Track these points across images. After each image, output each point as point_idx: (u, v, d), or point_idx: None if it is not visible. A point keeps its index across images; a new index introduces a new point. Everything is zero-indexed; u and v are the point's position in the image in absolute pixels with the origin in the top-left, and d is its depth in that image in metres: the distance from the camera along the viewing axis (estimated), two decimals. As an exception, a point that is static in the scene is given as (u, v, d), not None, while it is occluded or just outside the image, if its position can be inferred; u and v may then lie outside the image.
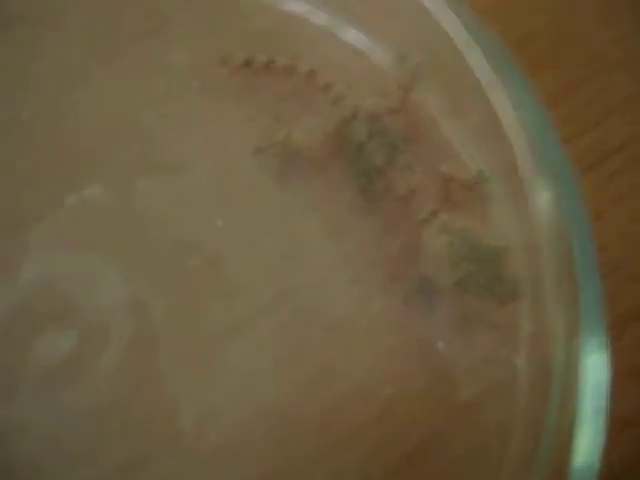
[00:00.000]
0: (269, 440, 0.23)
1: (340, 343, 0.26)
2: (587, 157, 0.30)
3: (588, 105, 0.30)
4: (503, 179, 0.27)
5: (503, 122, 0.26)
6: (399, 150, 0.27)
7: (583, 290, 0.23)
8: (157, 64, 0.29)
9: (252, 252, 0.27)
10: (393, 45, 0.29)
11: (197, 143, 0.28)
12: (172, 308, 0.24)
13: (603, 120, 0.30)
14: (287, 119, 0.28)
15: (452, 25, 0.26)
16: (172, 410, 0.23)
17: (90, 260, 0.25)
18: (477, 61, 0.26)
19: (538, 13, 0.32)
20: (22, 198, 0.26)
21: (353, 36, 0.29)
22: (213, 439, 0.23)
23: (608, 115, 0.31)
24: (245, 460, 0.23)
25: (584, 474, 0.21)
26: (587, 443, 0.21)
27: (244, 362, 0.24)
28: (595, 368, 0.22)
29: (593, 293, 0.23)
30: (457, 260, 0.25)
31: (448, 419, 0.24)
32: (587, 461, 0.21)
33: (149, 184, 0.26)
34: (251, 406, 0.24)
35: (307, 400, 0.24)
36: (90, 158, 0.26)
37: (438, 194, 0.27)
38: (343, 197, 0.27)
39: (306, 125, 0.28)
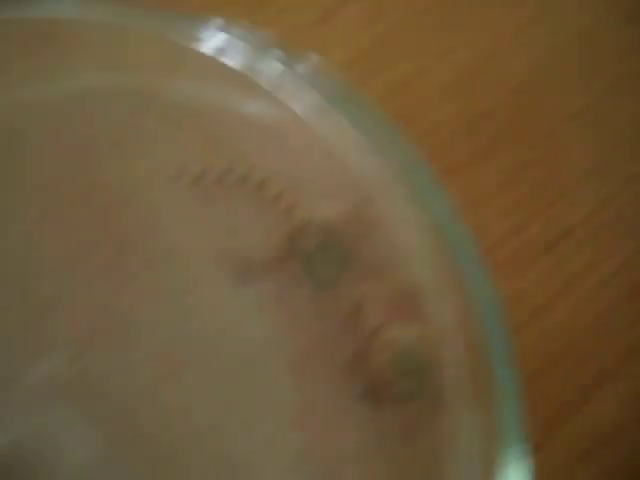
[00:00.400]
0: None
1: (287, 450, 0.27)
2: (535, 244, 0.31)
3: (536, 192, 0.31)
4: (448, 290, 0.28)
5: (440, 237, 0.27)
6: (351, 261, 0.28)
7: (503, 402, 0.24)
8: (115, 175, 0.30)
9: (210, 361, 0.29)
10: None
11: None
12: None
13: (553, 204, 0.31)
14: (240, 230, 0.30)
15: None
16: None
17: (51, 430, 0.26)
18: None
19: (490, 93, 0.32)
20: None
21: (305, 143, 0.30)
22: None
23: (561, 198, 0.31)
24: None
25: None
26: None
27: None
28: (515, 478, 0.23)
29: (512, 406, 0.24)
30: (399, 374, 0.26)
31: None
32: None
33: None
34: None
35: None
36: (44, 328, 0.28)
37: (387, 305, 0.28)
38: (293, 305, 0.28)
39: (258, 235, 0.30)
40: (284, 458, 0.27)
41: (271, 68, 0.29)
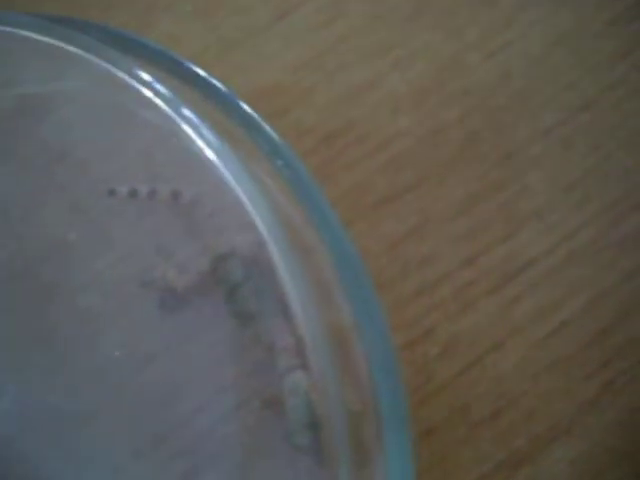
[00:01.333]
0: None
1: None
2: (489, 279, 0.28)
3: (494, 217, 0.28)
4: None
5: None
6: (263, 298, 0.26)
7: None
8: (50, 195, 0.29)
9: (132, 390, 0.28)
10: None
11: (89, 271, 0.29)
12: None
13: (512, 234, 0.28)
14: (167, 252, 0.28)
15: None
16: None
17: None
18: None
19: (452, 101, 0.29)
20: None
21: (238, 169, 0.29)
22: None
23: (519, 227, 0.28)
24: None
25: None
26: None
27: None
28: None
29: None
30: (300, 426, 0.25)
31: None
32: None
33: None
34: None
35: None
36: None
37: (294, 350, 0.26)
38: (217, 335, 0.27)
39: (185, 258, 0.28)
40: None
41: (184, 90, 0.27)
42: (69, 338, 0.28)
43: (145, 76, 0.27)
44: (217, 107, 0.28)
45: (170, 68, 0.29)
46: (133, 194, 0.29)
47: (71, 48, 0.28)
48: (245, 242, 0.27)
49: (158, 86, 0.28)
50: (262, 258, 0.27)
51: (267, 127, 0.25)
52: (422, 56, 0.29)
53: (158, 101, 0.29)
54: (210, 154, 0.28)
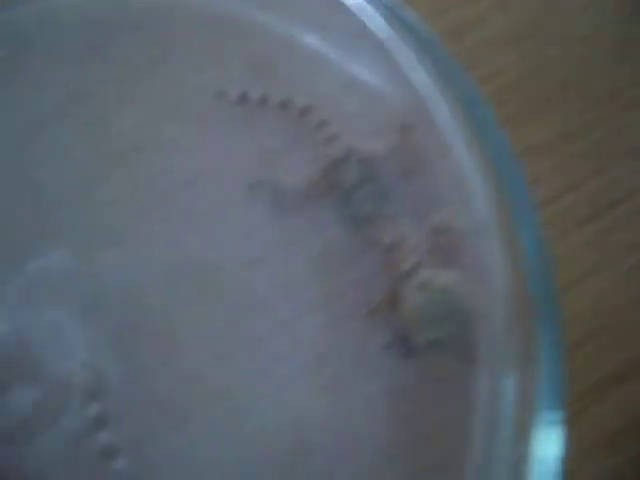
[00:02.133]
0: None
1: (316, 382, 0.26)
2: (584, 209, 0.29)
3: (592, 153, 0.29)
4: (491, 235, 0.26)
5: (493, 178, 0.25)
6: (389, 198, 0.27)
7: (543, 363, 0.23)
8: (152, 96, 0.29)
9: (241, 289, 0.27)
10: (392, 86, 0.28)
11: (191, 176, 0.28)
12: (131, 376, 0.25)
13: (607, 168, 0.29)
14: (278, 157, 0.28)
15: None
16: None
17: (53, 322, 0.26)
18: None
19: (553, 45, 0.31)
20: None
21: (354, 73, 0.29)
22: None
23: (614, 162, 0.29)
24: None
25: None
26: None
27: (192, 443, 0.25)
28: (548, 444, 0.22)
29: (554, 369, 0.22)
30: (433, 320, 0.25)
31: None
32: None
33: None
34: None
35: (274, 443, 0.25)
36: (55, 222, 0.27)
37: (424, 247, 0.26)
38: (332, 240, 0.27)
39: (297, 164, 0.28)
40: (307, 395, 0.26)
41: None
42: (167, 236, 0.28)
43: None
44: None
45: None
46: (243, 98, 0.29)
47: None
48: (369, 145, 0.27)
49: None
50: (385, 159, 0.28)
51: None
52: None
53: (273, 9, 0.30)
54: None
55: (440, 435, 0.24)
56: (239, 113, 0.29)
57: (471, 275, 0.26)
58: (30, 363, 0.25)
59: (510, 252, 0.25)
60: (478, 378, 0.24)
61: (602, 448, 0.27)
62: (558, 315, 0.23)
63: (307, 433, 0.25)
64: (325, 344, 0.26)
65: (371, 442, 0.25)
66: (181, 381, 0.25)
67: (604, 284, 0.28)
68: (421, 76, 0.27)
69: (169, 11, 0.30)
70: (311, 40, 0.29)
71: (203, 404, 0.25)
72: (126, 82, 0.29)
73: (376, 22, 0.27)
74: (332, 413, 0.25)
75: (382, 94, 0.28)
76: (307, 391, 0.26)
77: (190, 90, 0.29)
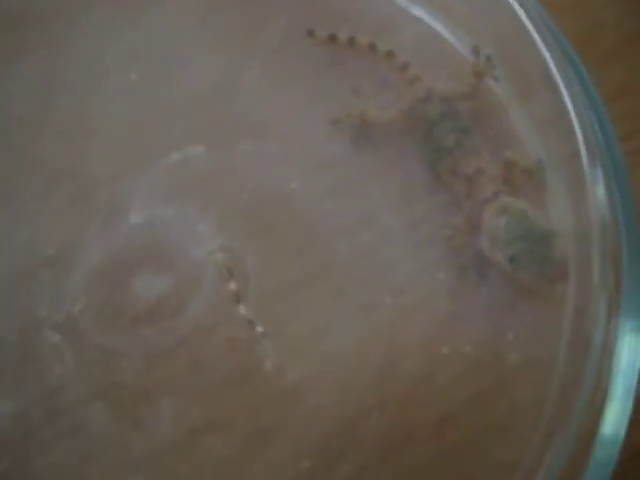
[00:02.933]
0: (333, 386, 0.26)
1: (401, 304, 0.28)
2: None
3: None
4: (562, 168, 0.29)
5: (566, 114, 0.28)
6: (468, 133, 0.29)
7: (626, 277, 0.25)
8: (249, 32, 0.31)
9: (324, 213, 0.29)
10: (469, 32, 0.31)
11: (280, 109, 0.30)
12: (259, 258, 0.27)
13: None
14: (364, 94, 0.31)
15: (524, 16, 0.28)
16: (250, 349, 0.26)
17: (188, 212, 0.28)
18: (546, 53, 0.28)
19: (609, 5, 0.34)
20: (133, 149, 0.29)
21: (433, 20, 0.31)
22: (292, 378, 0.26)
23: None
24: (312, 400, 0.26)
25: (609, 444, 0.23)
26: (615, 417, 0.23)
27: (314, 313, 0.27)
28: (630, 349, 0.24)
29: (635, 280, 0.25)
30: (512, 239, 0.27)
31: (492, 382, 0.26)
32: (613, 433, 0.23)
33: (243, 146, 0.29)
34: (319, 354, 0.26)
35: (368, 354, 0.27)
36: (194, 119, 0.29)
37: (500, 177, 0.29)
38: (412, 171, 0.30)
39: (382, 102, 0.31)
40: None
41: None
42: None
43: None
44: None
45: None
46: (332, 39, 0.31)
47: None
48: (450, 85, 0.30)
49: None
50: (465, 98, 0.30)
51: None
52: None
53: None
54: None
55: (530, 341, 0.27)
56: (328, 53, 0.31)
57: (547, 201, 0.29)
58: (161, 251, 0.27)
59: (588, 183, 0.27)
60: (563, 293, 0.27)
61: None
62: (637, 230, 0.25)
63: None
64: (405, 270, 0.29)
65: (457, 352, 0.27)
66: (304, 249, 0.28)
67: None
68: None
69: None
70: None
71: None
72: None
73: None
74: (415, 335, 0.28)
75: (458, 44, 0.31)
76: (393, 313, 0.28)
77: (280, 27, 0.31)
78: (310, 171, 0.30)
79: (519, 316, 0.27)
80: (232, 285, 0.26)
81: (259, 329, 0.26)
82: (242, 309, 0.26)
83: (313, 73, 0.31)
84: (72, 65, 0.30)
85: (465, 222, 0.29)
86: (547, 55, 0.28)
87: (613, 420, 0.23)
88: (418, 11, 0.32)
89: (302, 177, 0.29)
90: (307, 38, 0.31)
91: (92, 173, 0.28)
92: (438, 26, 0.31)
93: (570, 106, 0.27)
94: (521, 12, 0.28)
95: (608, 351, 0.24)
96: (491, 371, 0.27)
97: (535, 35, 0.28)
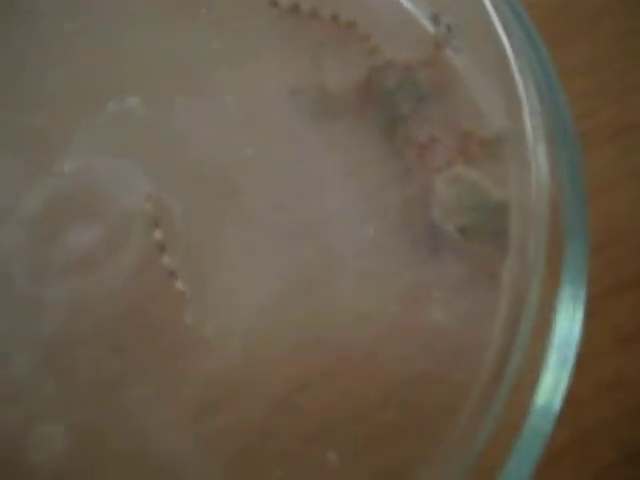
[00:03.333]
0: (285, 357, 0.26)
1: (346, 278, 0.28)
2: (606, 129, 0.31)
3: (618, 79, 0.31)
4: (515, 142, 0.28)
5: (520, 88, 0.27)
6: (425, 102, 0.29)
7: (569, 247, 0.24)
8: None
9: (276, 182, 0.29)
10: (430, 3, 0.30)
11: (237, 76, 0.30)
12: (189, 213, 0.27)
13: (629, 95, 0.31)
14: (324, 64, 0.30)
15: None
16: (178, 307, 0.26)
17: (122, 164, 0.28)
18: (505, 27, 0.27)
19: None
20: (70, 98, 0.29)
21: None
22: (210, 333, 0.26)
23: (635, 91, 0.31)
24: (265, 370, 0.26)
25: (542, 414, 0.23)
26: (549, 388, 0.23)
27: (251, 287, 0.27)
28: (568, 318, 0.24)
29: (579, 251, 0.24)
30: (465, 209, 0.27)
31: (430, 359, 0.26)
32: (547, 403, 0.23)
33: (186, 103, 0.29)
34: (262, 327, 0.26)
35: (313, 329, 0.27)
36: (133, 71, 0.29)
37: (455, 147, 0.28)
38: (367, 140, 0.29)
39: (341, 71, 0.31)
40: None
41: None
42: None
43: None
44: None
45: None
46: (295, 9, 0.31)
47: None
48: (409, 55, 0.30)
49: None
50: (423, 66, 0.30)
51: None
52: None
53: None
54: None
55: (470, 316, 0.26)
56: (289, 22, 0.31)
57: (497, 174, 0.28)
58: (94, 202, 0.27)
59: (539, 160, 0.27)
60: (507, 262, 0.26)
61: (613, 347, 0.29)
62: (586, 214, 0.25)
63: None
64: (362, 239, 0.28)
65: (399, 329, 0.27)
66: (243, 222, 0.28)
67: (622, 199, 0.30)
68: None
69: None
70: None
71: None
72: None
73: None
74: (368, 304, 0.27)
75: (418, 14, 0.31)
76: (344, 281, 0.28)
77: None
78: (266, 139, 0.30)
79: (467, 293, 0.27)
80: (157, 234, 0.26)
81: (179, 284, 0.26)
82: (166, 259, 0.26)
83: (274, 43, 0.31)
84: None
85: (417, 192, 0.29)
86: (499, 28, 0.27)
87: (547, 391, 0.23)
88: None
89: (257, 145, 0.29)
90: (270, 8, 0.31)
91: (26, 122, 0.29)
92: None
93: (519, 79, 0.27)
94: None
95: (544, 319, 0.24)
96: (429, 349, 0.26)
97: (490, 8, 0.27)
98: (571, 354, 0.23)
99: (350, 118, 0.30)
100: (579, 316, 0.24)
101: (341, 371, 0.26)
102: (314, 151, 0.29)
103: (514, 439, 0.23)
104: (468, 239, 0.26)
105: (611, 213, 0.30)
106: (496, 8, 0.28)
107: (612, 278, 0.29)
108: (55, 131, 0.29)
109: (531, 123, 0.27)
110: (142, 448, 0.25)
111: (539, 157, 0.26)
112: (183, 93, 0.29)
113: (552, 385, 0.23)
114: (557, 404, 0.23)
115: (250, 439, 0.26)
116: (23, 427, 0.25)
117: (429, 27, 0.30)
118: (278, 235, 0.28)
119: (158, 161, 0.28)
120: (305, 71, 0.30)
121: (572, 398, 0.23)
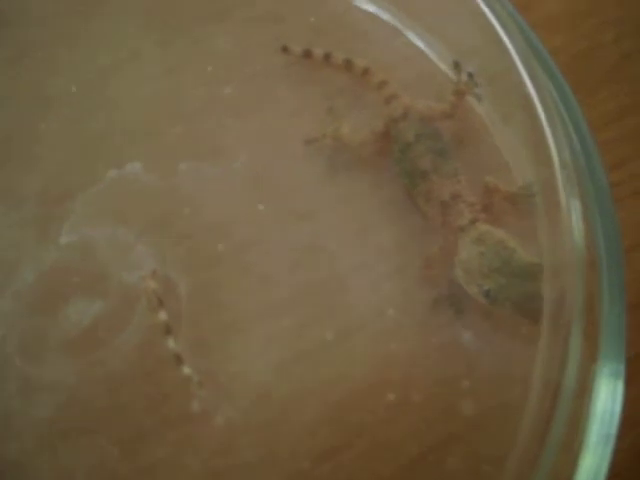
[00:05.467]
0: (304, 429, 0.24)
1: (364, 338, 0.26)
2: (635, 182, 0.30)
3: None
4: (544, 196, 0.26)
5: (550, 139, 0.26)
6: (445, 156, 0.27)
7: (606, 318, 0.23)
8: (215, 48, 0.30)
9: (287, 239, 0.27)
10: (450, 50, 0.29)
11: (248, 128, 0.29)
12: (196, 289, 0.26)
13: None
14: (339, 113, 0.29)
15: (509, 36, 0.26)
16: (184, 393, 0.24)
17: (124, 233, 0.26)
18: (530, 75, 0.26)
19: (607, 25, 0.32)
20: (70, 169, 0.27)
21: (413, 37, 0.30)
22: (219, 423, 0.24)
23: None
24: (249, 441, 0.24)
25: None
26: (591, 466, 0.21)
27: (252, 355, 0.25)
28: (608, 395, 0.22)
29: (616, 322, 0.23)
30: (488, 271, 0.25)
31: (452, 429, 0.24)
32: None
33: (191, 166, 0.27)
34: (257, 397, 0.25)
35: (322, 394, 0.25)
36: (134, 136, 0.28)
37: (479, 204, 0.27)
38: (385, 194, 0.28)
39: (356, 121, 0.29)
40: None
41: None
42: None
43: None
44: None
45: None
46: (308, 54, 0.30)
47: None
48: (427, 105, 0.28)
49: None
50: (442, 117, 0.28)
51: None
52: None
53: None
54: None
55: (501, 384, 0.25)
56: (302, 69, 0.29)
57: (525, 232, 0.26)
58: (95, 275, 0.26)
59: (572, 216, 0.25)
60: (539, 332, 0.24)
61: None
62: (621, 267, 0.23)
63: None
64: (379, 296, 0.27)
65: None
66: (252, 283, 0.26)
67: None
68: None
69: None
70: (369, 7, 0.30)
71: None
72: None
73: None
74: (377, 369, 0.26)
75: (438, 62, 0.29)
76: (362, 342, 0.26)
77: (253, 42, 0.30)
78: (280, 194, 0.28)
79: (491, 353, 0.25)
80: (162, 316, 0.24)
81: (186, 369, 0.24)
82: (171, 343, 0.24)
83: (286, 90, 0.29)
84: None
85: (439, 250, 0.27)
86: (525, 76, 0.26)
87: (588, 469, 0.21)
88: (398, 28, 0.30)
89: (270, 200, 0.28)
90: (281, 54, 0.29)
91: (24, 192, 0.27)
92: (419, 43, 0.30)
93: (548, 131, 0.25)
94: (506, 31, 0.27)
95: (583, 397, 0.22)
96: (451, 418, 0.24)
97: (515, 56, 0.26)
98: (613, 430, 0.22)
99: (367, 171, 0.28)
100: (620, 392, 0.22)
101: (360, 441, 0.25)
102: (329, 205, 0.28)
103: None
104: (493, 303, 0.25)
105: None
106: (520, 54, 0.26)
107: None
108: (53, 200, 0.27)
109: (562, 176, 0.25)
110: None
111: (572, 213, 0.25)
112: (189, 155, 0.28)
113: (594, 463, 0.21)
114: None
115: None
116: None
117: (449, 74, 0.29)
118: (292, 295, 0.27)
119: (162, 231, 0.27)
120: (319, 119, 0.29)
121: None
